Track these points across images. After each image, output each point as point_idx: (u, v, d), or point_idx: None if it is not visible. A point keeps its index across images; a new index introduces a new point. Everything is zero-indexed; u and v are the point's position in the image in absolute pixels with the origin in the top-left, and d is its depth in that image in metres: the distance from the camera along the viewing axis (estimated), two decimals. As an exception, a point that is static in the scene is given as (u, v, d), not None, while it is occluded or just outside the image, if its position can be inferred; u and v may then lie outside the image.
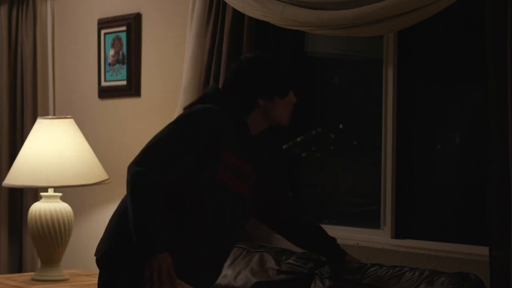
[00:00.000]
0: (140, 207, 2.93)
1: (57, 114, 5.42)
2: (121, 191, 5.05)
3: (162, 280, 2.89)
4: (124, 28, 5.00)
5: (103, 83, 5.15)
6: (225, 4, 4.19)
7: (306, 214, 3.55)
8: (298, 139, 4.45)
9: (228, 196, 3.12)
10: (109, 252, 3.10)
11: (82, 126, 4.86)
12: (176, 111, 4.40)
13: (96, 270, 5.01)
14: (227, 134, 3.09)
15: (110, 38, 5.09)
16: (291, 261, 3.64)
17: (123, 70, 5.01)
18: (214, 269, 3.20)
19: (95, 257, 3.16)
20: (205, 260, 3.12)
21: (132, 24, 4.95)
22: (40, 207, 4.53)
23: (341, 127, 4.33)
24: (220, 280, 3.54)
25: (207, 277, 3.18)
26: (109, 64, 5.10)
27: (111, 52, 5.08)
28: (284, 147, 4.42)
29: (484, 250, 3.43)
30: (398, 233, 3.93)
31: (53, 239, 4.50)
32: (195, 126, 3.04)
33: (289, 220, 3.48)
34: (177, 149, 3.00)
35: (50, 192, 4.59)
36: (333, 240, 3.52)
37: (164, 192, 2.98)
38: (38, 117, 4.68)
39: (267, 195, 3.37)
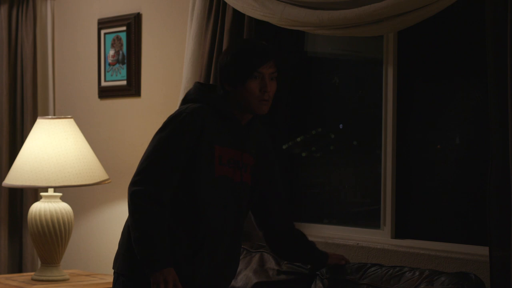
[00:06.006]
0: (140, 226, 2.98)
1: (57, 114, 5.42)
2: (121, 191, 5.08)
3: None
4: (124, 28, 4.99)
5: (103, 83, 5.15)
6: (225, 4, 4.19)
7: (290, 220, 3.46)
8: (298, 139, 4.45)
9: (232, 189, 3.14)
10: (122, 267, 3.14)
11: (82, 126, 4.86)
12: (176, 111, 4.40)
13: (95, 270, 5.04)
14: (214, 129, 3.10)
15: (110, 38, 5.08)
16: (291, 261, 3.64)
17: (123, 70, 5.01)
18: (230, 263, 3.22)
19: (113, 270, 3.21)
20: (219, 260, 3.14)
21: (132, 24, 4.94)
22: (40, 207, 4.52)
23: (341, 127, 4.33)
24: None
25: (226, 273, 3.22)
26: (109, 64, 5.10)
27: (111, 52, 5.07)
28: (284, 147, 4.41)
29: (484, 250, 3.43)
30: (398, 233, 3.93)
31: (53, 239, 4.50)
32: (179, 130, 3.07)
33: (279, 233, 3.43)
34: (170, 158, 3.04)
35: (50, 192, 4.58)
36: (312, 244, 3.48)
37: (163, 205, 3.01)
38: (38, 117, 4.68)
39: (264, 188, 3.32)
